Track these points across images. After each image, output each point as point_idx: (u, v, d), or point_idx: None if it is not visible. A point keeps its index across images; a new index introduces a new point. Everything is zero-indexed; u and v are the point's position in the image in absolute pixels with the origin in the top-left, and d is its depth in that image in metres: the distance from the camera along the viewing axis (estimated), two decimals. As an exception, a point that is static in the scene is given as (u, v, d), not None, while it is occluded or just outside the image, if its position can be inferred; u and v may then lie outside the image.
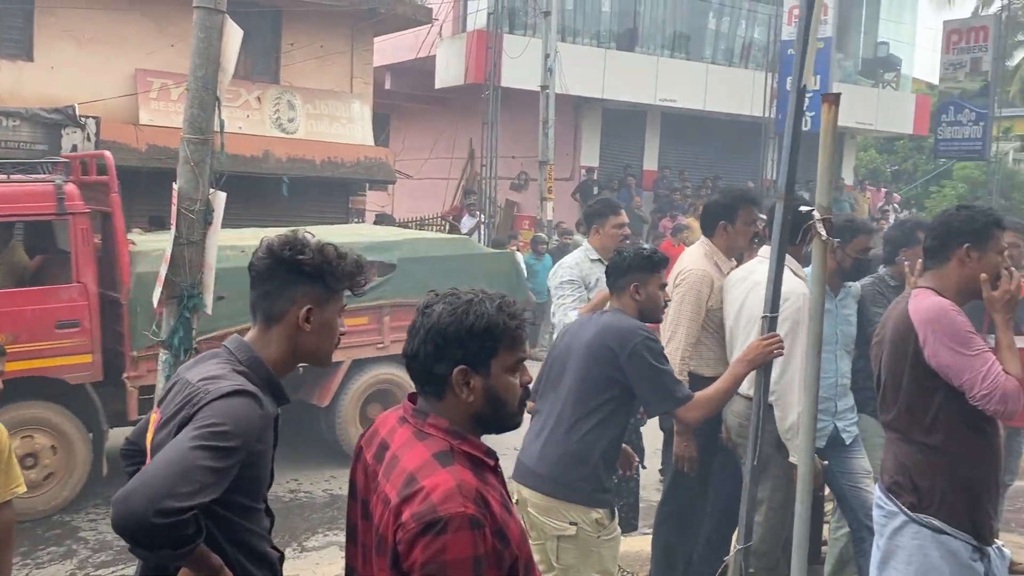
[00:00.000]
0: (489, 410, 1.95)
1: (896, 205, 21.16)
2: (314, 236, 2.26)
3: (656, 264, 3.67)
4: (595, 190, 18.27)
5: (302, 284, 2.21)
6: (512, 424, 2.01)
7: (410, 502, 1.80)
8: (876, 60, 22.24)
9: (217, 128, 4.49)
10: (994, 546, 3.13)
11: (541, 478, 3.46)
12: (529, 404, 4.08)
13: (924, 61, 46.68)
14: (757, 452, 3.60)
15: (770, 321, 3.64)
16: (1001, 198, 28.56)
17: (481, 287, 2.00)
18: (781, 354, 3.62)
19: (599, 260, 4.86)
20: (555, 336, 4.88)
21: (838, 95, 3.37)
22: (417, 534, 1.76)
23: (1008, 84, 32.15)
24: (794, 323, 3.81)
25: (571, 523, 3.40)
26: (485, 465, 1.94)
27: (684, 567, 4.53)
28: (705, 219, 4.45)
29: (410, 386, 2.05)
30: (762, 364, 3.58)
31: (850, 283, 4.54)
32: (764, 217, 4.39)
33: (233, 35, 4.50)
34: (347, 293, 2.30)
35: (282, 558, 2.36)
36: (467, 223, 16.00)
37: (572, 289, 4.76)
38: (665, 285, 3.75)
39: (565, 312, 4.73)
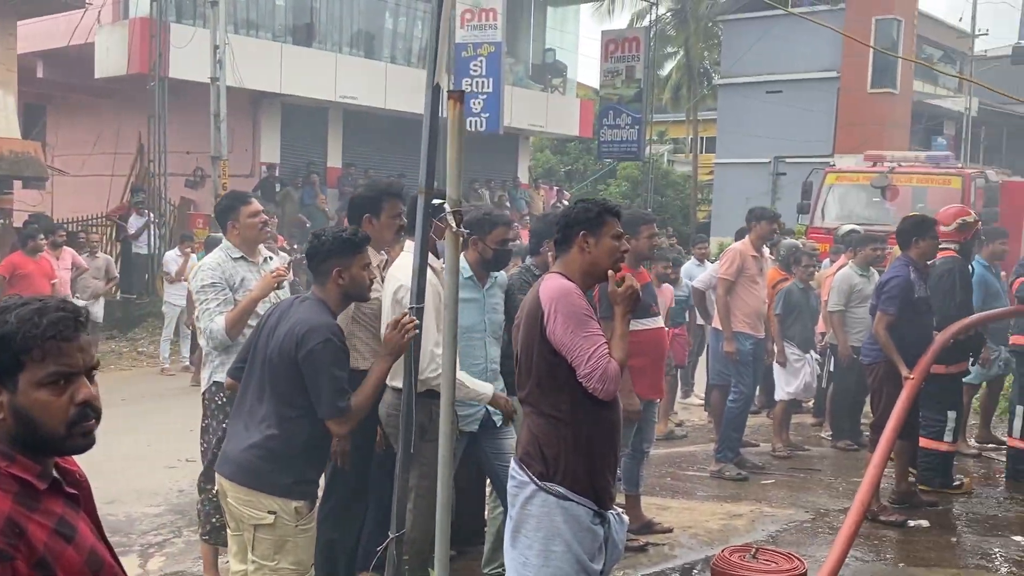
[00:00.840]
0: (23, 430, 1.75)
1: (567, 202, 22.64)
2: None
3: (357, 244, 3.60)
4: (277, 187, 17.87)
5: None
6: (65, 448, 1.81)
7: None
8: (545, 66, 23.66)
9: None
10: (613, 511, 3.41)
11: (241, 469, 3.41)
12: (228, 381, 3.97)
13: (588, 68, 50.31)
14: (407, 440, 3.70)
15: (416, 312, 3.75)
16: (657, 195, 31.56)
17: None
18: (416, 333, 3.66)
19: (243, 257, 4.67)
20: (204, 341, 4.67)
21: (462, 92, 3.51)
22: None
23: (661, 92, 35.59)
24: (432, 310, 3.94)
25: (270, 512, 3.37)
26: (37, 489, 1.76)
27: (347, 561, 4.55)
28: (351, 213, 4.48)
29: None
30: (401, 352, 3.62)
31: (496, 273, 4.78)
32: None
33: None
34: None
35: None
36: (135, 223, 14.98)
37: (215, 292, 4.50)
38: (369, 264, 3.70)
39: (210, 318, 4.49)
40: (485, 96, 18.59)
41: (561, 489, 3.22)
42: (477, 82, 18.74)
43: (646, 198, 26.65)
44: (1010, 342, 7.41)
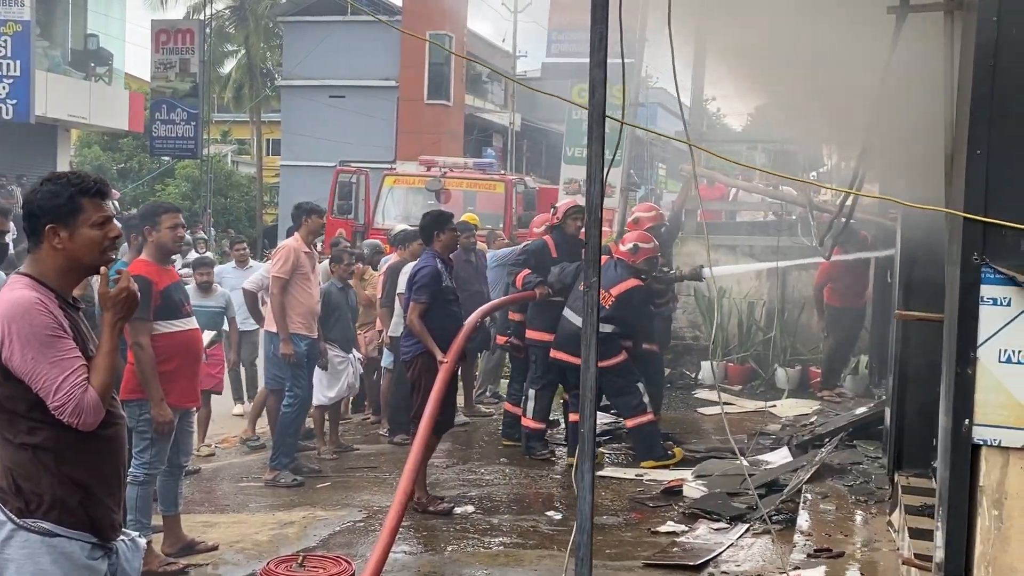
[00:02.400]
0: None
1: (115, 203, 20.88)
2: None
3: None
4: None
5: None
6: None
7: None
8: (87, 52, 21.60)
9: None
10: (124, 539, 2.97)
11: None
12: None
13: (138, 58, 47.15)
14: None
15: None
16: (220, 196, 30.50)
17: None
18: None
19: None
20: None
21: None
22: None
23: (223, 90, 34.44)
24: None
25: None
26: None
27: None
28: None
29: None
30: None
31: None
32: None
33: None
34: None
35: None
36: None
37: None
38: None
39: None
40: (12, 80, 16.47)
41: (47, 525, 2.73)
42: (2, 64, 16.51)
43: (207, 199, 25.54)
44: (527, 335, 8.03)
